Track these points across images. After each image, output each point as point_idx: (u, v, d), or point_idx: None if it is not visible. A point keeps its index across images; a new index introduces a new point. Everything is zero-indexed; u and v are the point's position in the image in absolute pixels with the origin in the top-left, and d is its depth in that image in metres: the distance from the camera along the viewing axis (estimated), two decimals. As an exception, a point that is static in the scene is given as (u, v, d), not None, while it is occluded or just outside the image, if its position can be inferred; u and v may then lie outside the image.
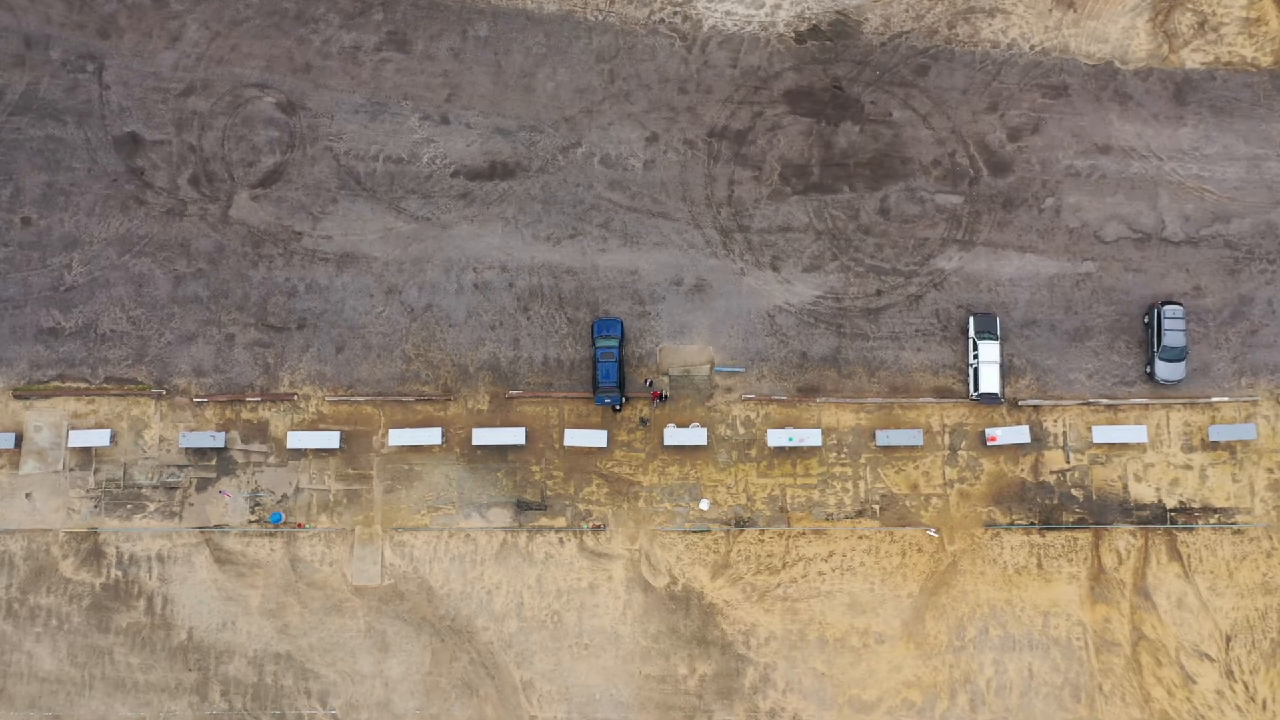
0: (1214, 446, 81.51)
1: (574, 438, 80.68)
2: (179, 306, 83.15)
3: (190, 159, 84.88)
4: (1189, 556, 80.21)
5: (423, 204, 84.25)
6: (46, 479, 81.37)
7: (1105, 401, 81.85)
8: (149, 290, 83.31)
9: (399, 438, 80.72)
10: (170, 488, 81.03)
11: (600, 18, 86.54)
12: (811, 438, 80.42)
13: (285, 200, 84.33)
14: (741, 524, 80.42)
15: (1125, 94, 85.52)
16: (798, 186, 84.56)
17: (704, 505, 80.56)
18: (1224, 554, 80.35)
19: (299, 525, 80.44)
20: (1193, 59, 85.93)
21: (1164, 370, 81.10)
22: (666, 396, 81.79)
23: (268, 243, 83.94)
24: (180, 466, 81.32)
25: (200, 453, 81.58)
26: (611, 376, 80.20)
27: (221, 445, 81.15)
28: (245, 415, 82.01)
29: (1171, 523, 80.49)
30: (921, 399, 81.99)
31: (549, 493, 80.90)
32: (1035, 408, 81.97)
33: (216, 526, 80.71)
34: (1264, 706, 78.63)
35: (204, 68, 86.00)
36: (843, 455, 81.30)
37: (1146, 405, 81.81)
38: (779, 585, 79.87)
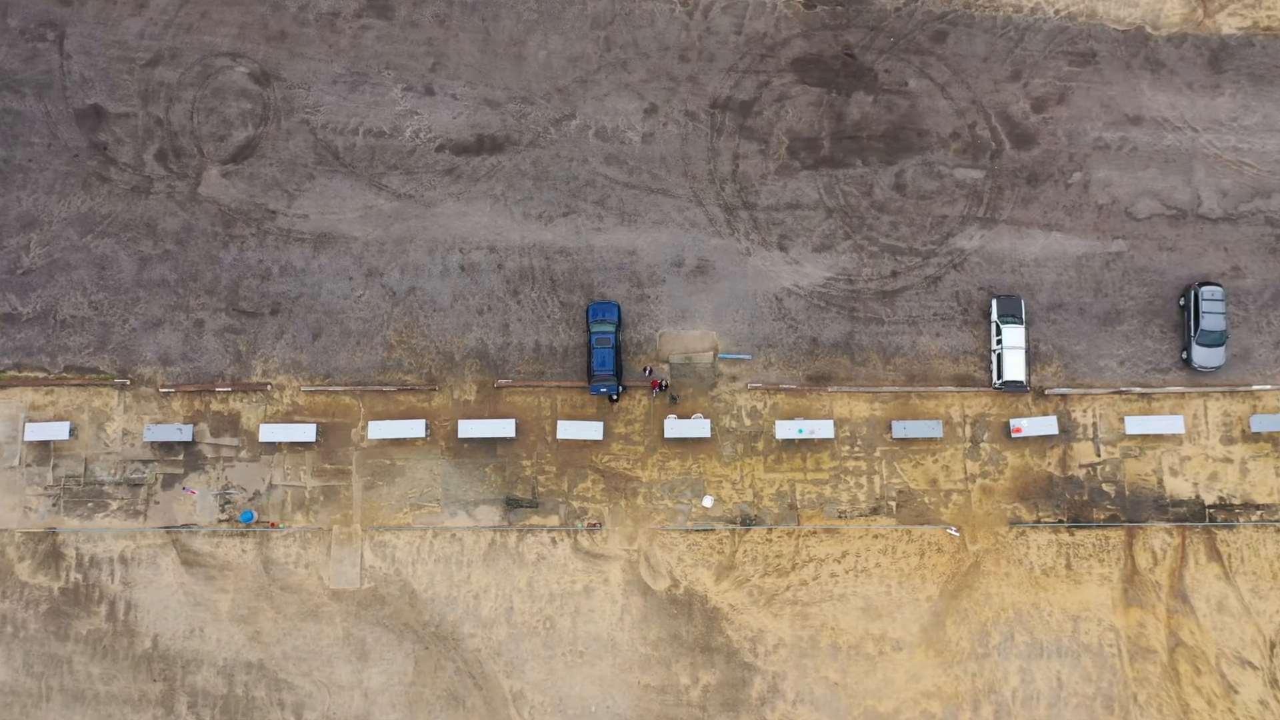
0: (1255, 438, 78.95)
1: (568, 430, 78.55)
2: (144, 290, 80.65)
3: (157, 133, 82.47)
4: (1229, 556, 77.85)
5: (405, 180, 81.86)
6: (1, 475, 78.75)
7: (1138, 390, 79.53)
8: (112, 273, 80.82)
9: (379, 430, 78.55)
10: (134, 484, 78.69)
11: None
12: (823, 429, 78.32)
13: (258, 177, 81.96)
14: (748, 522, 78.31)
15: (1157, 61, 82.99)
16: (807, 161, 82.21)
17: (707, 502, 78.51)
18: (1267, 553, 77.82)
19: (272, 525, 78.25)
20: (1229, 24, 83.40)
21: (1201, 356, 78.76)
22: (667, 385, 79.57)
23: (239, 222, 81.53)
24: (145, 462, 78.96)
25: (166, 447, 79.13)
26: (608, 364, 78.06)
27: (189, 439, 78.64)
28: (215, 407, 79.64)
29: (1210, 520, 78.22)
30: (941, 388, 79.74)
31: (541, 489, 78.79)
32: (1063, 397, 79.58)
33: (184, 526, 78.36)
34: (1312, 718, 76.64)
35: (172, 36, 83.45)
36: (856, 448, 79.10)
37: (1183, 394, 79.54)
38: (788, 588, 77.68)
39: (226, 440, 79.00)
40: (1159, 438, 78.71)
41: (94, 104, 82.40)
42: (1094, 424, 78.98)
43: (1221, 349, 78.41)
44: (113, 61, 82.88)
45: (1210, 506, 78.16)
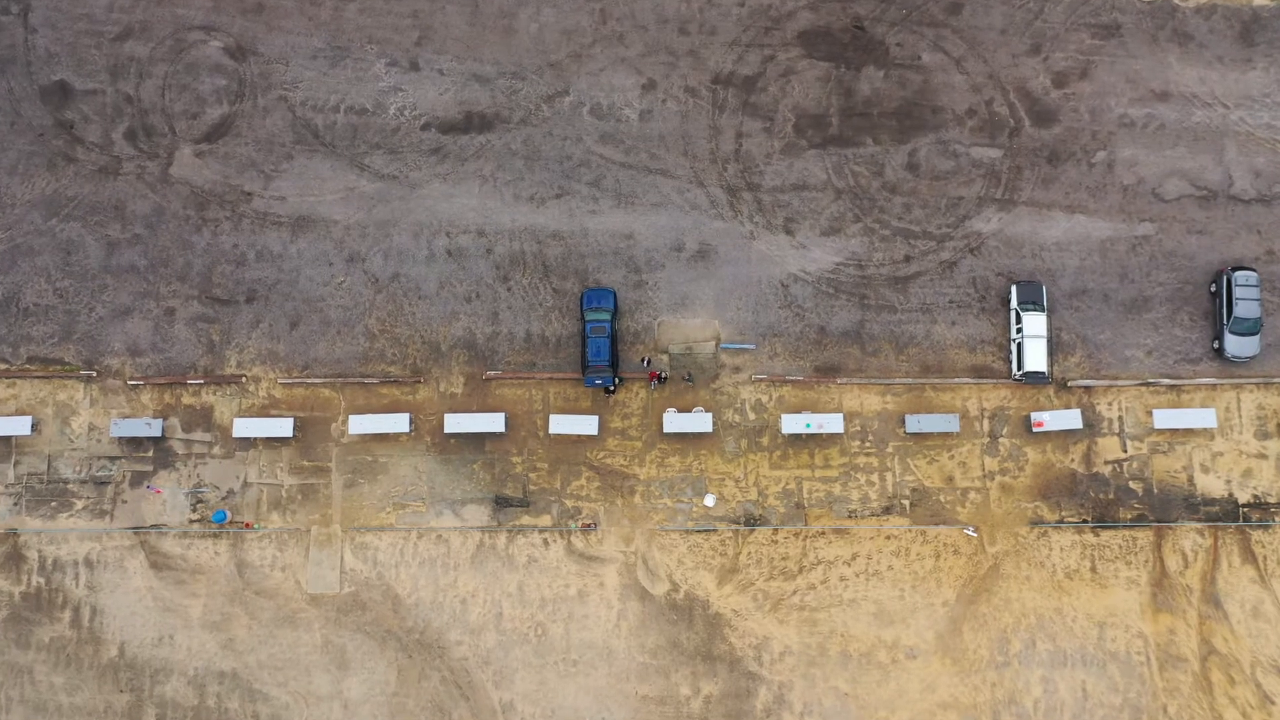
0: (1292, 432, 77.80)
1: (560, 424, 76.99)
2: (112, 277, 78.95)
3: (126, 111, 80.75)
4: (1265, 558, 75.94)
5: (389, 160, 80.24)
6: (-41, 473, 77.64)
7: (1167, 381, 77.65)
8: (78, 259, 79.08)
9: (361, 425, 77.00)
10: (100, 483, 76.77)
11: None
12: (832, 424, 76.73)
13: (233, 157, 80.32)
14: (752, 522, 76.75)
15: (1185, 34, 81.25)
16: (814, 139, 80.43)
17: (709, 501, 76.93)
18: (1305, 555, 76.58)
19: (247, 525, 76.50)
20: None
21: (1234, 345, 77.04)
22: (666, 377, 77.73)
23: (213, 204, 79.83)
24: (112, 458, 77.08)
25: (135, 443, 77.30)
26: (603, 354, 76.52)
27: (159, 434, 76.81)
28: (186, 400, 77.81)
29: (1244, 520, 76.38)
30: (957, 379, 77.99)
31: (532, 487, 77.10)
32: (1087, 389, 77.71)
33: (153, 527, 76.44)
34: (1355, 731, 74.78)
35: (143, 8, 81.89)
36: (867, 444, 77.38)
37: (1214, 385, 77.71)
38: (795, 592, 76.03)
39: (198, 435, 77.30)
40: (1189, 432, 76.94)
41: (60, 80, 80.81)
42: (1120, 418, 77.14)
43: (1256, 338, 76.65)
44: (80, 35, 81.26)
45: (1244, 505, 76.33)
